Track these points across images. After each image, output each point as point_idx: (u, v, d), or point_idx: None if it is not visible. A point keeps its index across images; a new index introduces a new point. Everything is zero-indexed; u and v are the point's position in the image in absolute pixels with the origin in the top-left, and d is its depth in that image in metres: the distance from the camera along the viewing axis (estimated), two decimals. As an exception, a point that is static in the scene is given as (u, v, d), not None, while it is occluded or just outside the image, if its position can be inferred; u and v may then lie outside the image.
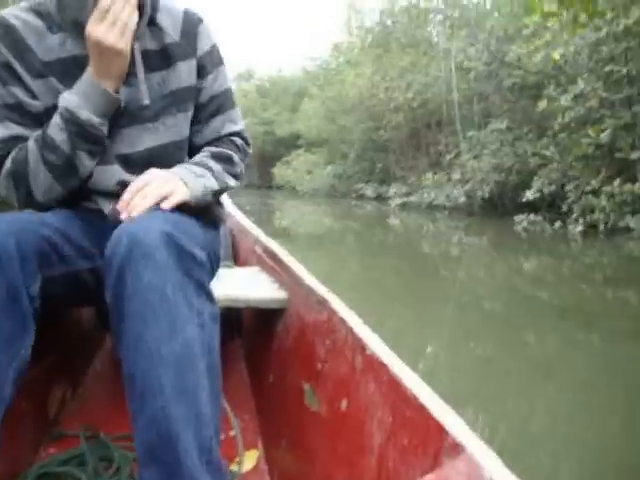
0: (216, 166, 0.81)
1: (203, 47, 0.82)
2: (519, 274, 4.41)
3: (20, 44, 0.74)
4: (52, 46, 0.75)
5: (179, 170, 0.76)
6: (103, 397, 1.07)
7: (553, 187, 7.21)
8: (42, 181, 0.75)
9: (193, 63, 0.81)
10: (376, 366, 0.63)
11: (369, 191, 13.83)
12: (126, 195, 0.68)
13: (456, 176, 9.46)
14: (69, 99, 0.73)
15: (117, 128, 0.78)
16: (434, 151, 11.84)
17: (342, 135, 16.12)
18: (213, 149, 0.84)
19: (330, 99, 16.84)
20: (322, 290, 0.90)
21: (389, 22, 12.82)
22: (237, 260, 1.66)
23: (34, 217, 0.71)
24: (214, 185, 0.79)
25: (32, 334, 0.65)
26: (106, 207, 0.78)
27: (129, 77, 0.76)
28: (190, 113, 0.82)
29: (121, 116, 0.77)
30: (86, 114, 0.73)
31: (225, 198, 2.28)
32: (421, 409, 0.51)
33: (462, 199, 9.05)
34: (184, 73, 0.80)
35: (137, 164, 0.78)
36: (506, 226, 7.50)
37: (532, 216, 7.38)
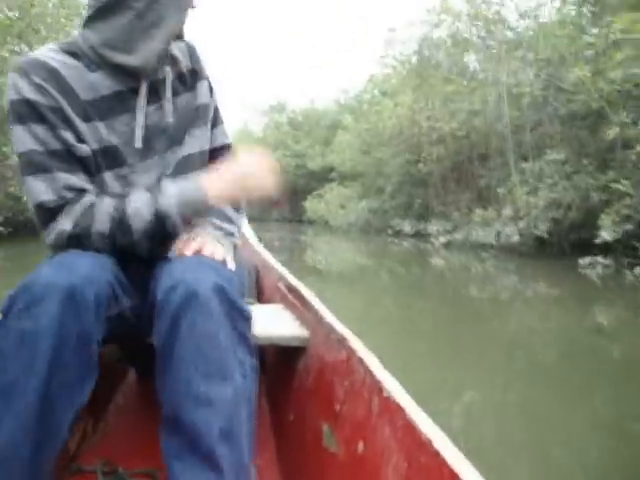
0: (232, 212, 0.96)
1: (207, 70, 0.98)
2: (596, 332, 4.05)
3: (66, 86, 0.78)
4: (93, 84, 0.80)
5: (214, 232, 0.87)
6: (124, 432, 1.15)
7: (629, 225, 6.82)
8: (97, 247, 0.79)
9: (206, 83, 0.97)
10: (392, 409, 0.69)
11: (407, 227, 13.85)
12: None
13: (507, 212, 9.33)
14: (170, 204, 0.78)
15: (154, 153, 0.87)
16: (480, 184, 11.74)
17: (378, 168, 16.36)
18: None
19: (366, 131, 17.24)
20: (342, 329, 0.97)
21: (426, 52, 13.28)
22: (260, 297, 1.75)
23: (97, 261, 0.75)
24: (238, 240, 0.95)
25: (95, 377, 0.71)
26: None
27: (160, 101, 0.87)
28: (210, 126, 0.97)
29: (157, 141, 0.86)
30: (179, 221, 0.79)
31: (251, 234, 2.43)
32: (436, 456, 0.56)
33: (515, 237, 8.87)
34: (203, 92, 0.95)
35: (167, 177, 0.88)
36: (567, 269, 7.20)
37: (599, 258, 7.12)
